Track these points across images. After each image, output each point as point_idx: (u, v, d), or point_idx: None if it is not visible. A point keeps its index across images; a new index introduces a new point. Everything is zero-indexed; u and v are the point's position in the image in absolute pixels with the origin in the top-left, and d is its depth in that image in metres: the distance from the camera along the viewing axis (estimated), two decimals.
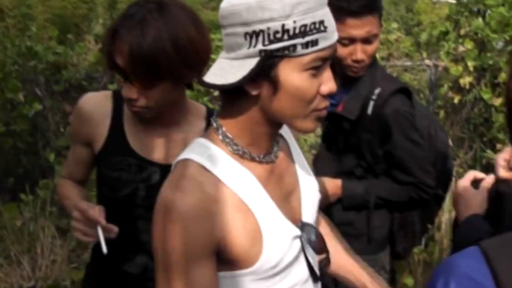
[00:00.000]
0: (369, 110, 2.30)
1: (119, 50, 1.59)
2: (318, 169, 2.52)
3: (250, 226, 1.25)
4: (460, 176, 5.44)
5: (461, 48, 5.98)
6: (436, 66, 6.63)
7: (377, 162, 2.37)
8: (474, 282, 0.93)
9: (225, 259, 1.26)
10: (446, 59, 6.12)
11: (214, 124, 1.31)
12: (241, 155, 1.29)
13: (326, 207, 2.40)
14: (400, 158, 2.31)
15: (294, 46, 1.16)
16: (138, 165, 1.79)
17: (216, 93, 6.86)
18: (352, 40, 2.22)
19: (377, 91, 2.31)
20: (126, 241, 1.80)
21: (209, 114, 1.84)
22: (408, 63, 6.99)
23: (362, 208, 2.46)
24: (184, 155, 1.28)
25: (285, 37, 1.15)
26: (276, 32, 1.15)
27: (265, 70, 1.18)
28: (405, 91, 2.36)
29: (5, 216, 4.61)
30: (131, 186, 1.80)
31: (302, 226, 1.38)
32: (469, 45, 5.94)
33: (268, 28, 1.15)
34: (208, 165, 1.24)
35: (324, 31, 1.19)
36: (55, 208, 4.72)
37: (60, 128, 6.31)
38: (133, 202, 1.81)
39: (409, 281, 4.08)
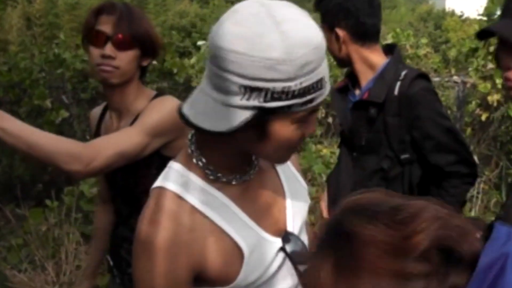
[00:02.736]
0: (396, 91, 2.31)
1: (105, 20, 1.98)
2: (339, 181, 2.54)
3: (227, 248, 1.27)
4: (486, 193, 5.42)
5: (490, 65, 5.94)
6: (464, 83, 6.59)
7: (403, 151, 2.34)
8: None
9: (203, 280, 1.28)
10: (474, 76, 6.09)
11: (190, 149, 1.31)
12: (214, 179, 1.29)
13: None
14: (439, 136, 2.28)
15: (291, 105, 1.14)
16: None
17: None
18: None
19: (403, 72, 2.33)
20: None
21: (155, 97, 2.08)
22: (436, 79, 6.96)
23: None
24: (160, 182, 1.30)
25: (287, 97, 1.12)
26: (278, 92, 1.11)
27: (257, 124, 1.16)
28: (428, 79, 2.41)
29: (30, 221, 4.63)
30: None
31: (286, 236, 1.38)
32: None
33: (273, 87, 1.10)
34: (182, 194, 1.26)
35: (321, 88, 1.17)
36: (80, 214, 4.74)
37: (86, 135, 6.37)
38: (110, 180, 2.21)
39: None
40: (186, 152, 1.32)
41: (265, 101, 1.11)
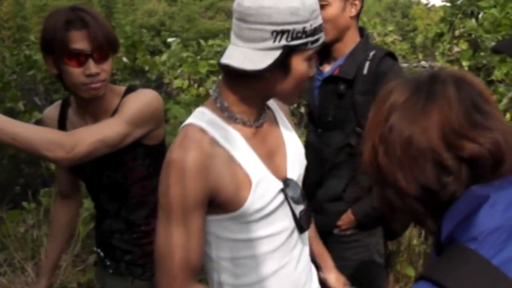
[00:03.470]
0: (365, 70, 2.42)
1: (78, 37, 1.93)
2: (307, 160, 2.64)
3: (238, 176, 1.55)
4: None
5: (456, 49, 6.07)
6: (432, 67, 6.71)
7: None
8: None
9: (216, 204, 1.55)
10: (441, 59, 6.22)
11: (214, 94, 1.63)
12: (233, 120, 1.60)
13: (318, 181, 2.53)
14: None
15: (307, 43, 1.50)
16: None
17: None
18: None
19: (372, 53, 2.45)
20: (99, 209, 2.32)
21: (126, 92, 2.12)
22: (405, 65, 7.07)
23: (379, 219, 2.58)
24: (187, 120, 1.60)
25: (304, 36, 1.49)
26: (299, 32, 1.47)
27: (283, 60, 1.50)
28: (395, 57, 2.53)
29: (8, 224, 4.61)
30: (82, 170, 2.19)
31: (286, 181, 1.67)
32: (463, 45, 6.05)
33: (294, 29, 1.47)
34: (206, 128, 1.55)
35: (322, 31, 1.55)
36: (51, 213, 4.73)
37: None
38: (91, 181, 2.23)
39: (410, 271, 4.16)
40: (211, 98, 1.64)
41: (291, 39, 1.47)
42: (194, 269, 1.55)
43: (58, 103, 2.26)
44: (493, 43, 6.00)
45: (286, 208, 1.66)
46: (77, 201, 2.46)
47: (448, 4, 6.71)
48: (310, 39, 1.50)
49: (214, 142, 1.53)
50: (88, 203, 4.08)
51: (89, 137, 1.86)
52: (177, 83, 6.81)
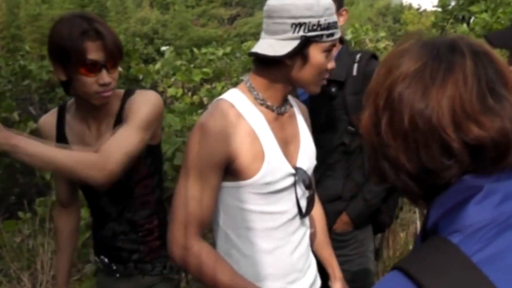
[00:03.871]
0: (354, 71, 2.55)
1: (93, 47, 1.97)
2: None
3: (255, 149, 1.76)
4: None
5: None
6: None
7: None
8: None
9: (231, 170, 1.76)
10: None
11: (245, 79, 1.89)
12: (259, 102, 1.84)
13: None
14: None
15: (322, 35, 1.75)
16: None
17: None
18: None
19: (358, 55, 2.60)
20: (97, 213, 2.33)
21: (126, 94, 2.18)
22: None
23: (373, 214, 2.66)
24: (221, 96, 1.84)
25: (319, 29, 1.73)
26: (314, 25, 1.72)
27: (302, 49, 1.74)
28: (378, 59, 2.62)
29: (4, 234, 4.60)
30: None
31: (296, 169, 1.86)
32: None
33: (310, 22, 1.72)
34: (234, 103, 1.80)
35: (336, 28, 1.79)
36: (53, 224, 4.72)
37: None
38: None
39: None
40: (243, 83, 1.88)
41: (308, 31, 1.72)
42: (203, 223, 1.76)
43: (54, 110, 2.27)
44: None
45: (292, 193, 1.87)
46: (77, 208, 2.46)
47: (440, 9, 6.75)
48: (324, 32, 1.75)
49: (240, 116, 1.77)
50: (83, 213, 4.07)
51: (116, 153, 1.89)
52: (171, 91, 6.83)
